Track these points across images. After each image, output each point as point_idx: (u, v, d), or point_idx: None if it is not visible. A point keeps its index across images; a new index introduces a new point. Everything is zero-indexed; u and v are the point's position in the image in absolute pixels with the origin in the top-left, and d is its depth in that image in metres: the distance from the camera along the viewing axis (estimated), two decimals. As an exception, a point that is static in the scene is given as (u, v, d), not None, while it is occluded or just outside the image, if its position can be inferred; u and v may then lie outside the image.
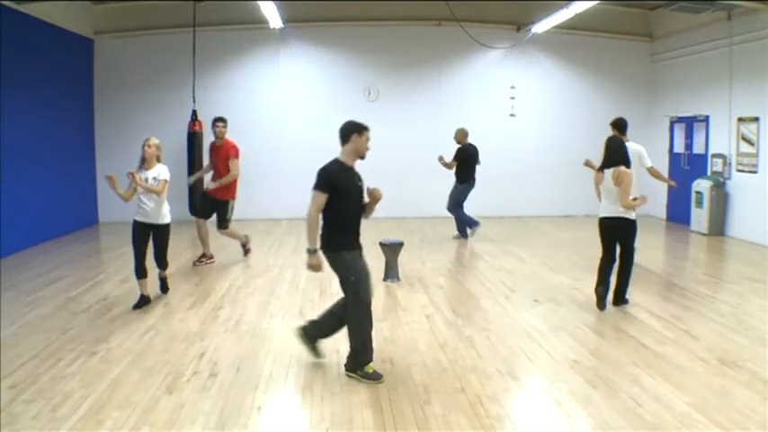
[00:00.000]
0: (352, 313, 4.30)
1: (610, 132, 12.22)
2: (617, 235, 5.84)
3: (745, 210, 9.64)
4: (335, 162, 4.33)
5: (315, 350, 4.57)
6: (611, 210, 5.78)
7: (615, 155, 5.74)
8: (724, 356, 4.64)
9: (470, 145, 9.70)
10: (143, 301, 6.00)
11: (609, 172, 5.73)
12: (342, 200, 4.25)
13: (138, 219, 5.98)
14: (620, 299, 5.96)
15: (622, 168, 5.66)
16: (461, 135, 9.68)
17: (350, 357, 4.32)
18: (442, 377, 4.29)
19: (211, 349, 4.84)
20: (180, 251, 9.11)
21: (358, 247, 4.40)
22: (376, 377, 4.22)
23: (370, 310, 4.34)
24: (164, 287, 6.46)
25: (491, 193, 11.30)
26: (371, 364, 4.29)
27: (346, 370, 4.32)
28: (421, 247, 8.98)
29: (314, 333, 4.56)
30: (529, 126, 12.27)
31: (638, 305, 6.00)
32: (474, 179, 9.69)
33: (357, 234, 4.41)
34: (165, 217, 6.07)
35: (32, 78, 9.09)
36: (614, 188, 5.66)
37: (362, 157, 4.39)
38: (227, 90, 11.64)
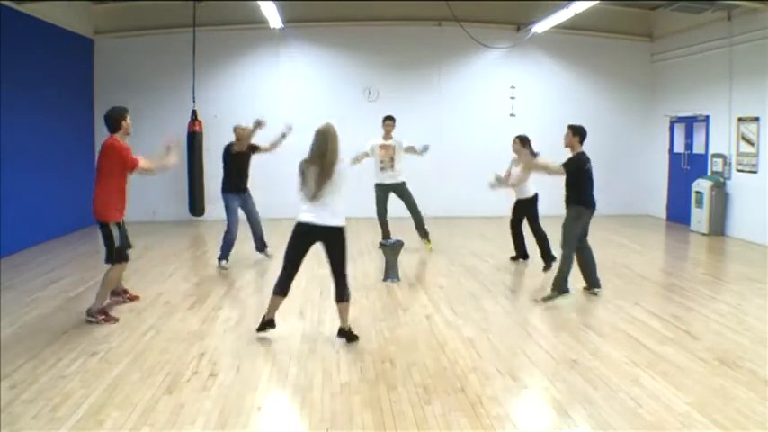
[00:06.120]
0: None
1: (610, 132, 12.44)
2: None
3: (745, 210, 9.64)
4: None
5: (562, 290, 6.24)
6: None
7: None
8: (724, 356, 4.64)
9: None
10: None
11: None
12: None
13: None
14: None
15: None
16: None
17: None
18: (442, 377, 4.29)
19: (211, 349, 4.84)
20: (181, 251, 9.13)
21: None
22: None
23: None
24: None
25: (490, 192, 11.27)
26: None
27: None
28: (421, 246, 8.97)
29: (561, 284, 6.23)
30: (529, 126, 12.15)
31: (639, 305, 6.01)
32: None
33: None
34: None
35: (32, 78, 9.08)
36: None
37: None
38: (227, 90, 11.63)
